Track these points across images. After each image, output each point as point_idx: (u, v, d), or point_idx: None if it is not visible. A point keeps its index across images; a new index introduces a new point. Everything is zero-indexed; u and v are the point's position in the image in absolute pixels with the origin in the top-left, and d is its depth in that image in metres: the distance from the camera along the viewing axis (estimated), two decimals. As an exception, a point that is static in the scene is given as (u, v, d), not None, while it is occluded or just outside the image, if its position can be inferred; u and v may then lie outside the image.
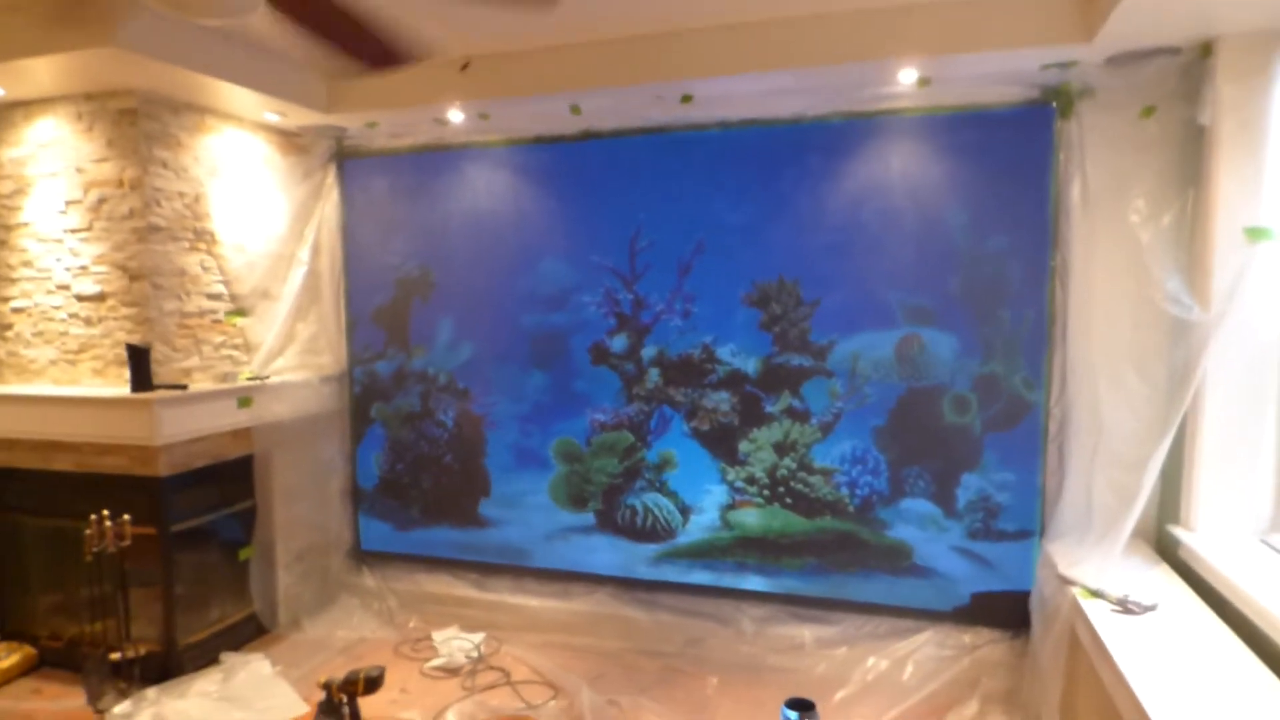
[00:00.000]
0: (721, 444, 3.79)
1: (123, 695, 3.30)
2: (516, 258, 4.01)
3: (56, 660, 3.64)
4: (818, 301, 3.58)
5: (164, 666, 3.47)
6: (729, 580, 3.82)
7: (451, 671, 3.63)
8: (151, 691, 3.34)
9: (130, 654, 3.43)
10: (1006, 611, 3.35)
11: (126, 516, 3.36)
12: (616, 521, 3.98)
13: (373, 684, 3.23)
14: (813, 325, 3.59)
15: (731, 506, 3.79)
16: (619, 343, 3.89)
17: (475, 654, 3.74)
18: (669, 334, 3.81)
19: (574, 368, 3.97)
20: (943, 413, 3.44)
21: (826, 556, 3.66)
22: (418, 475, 4.33)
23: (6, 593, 3.76)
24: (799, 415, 3.65)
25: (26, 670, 3.62)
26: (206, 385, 3.67)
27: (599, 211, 3.85)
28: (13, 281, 3.63)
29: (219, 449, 3.70)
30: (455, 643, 3.80)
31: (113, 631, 3.44)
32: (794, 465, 3.68)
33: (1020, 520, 3.38)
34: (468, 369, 4.17)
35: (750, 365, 3.71)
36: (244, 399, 3.73)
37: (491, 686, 3.50)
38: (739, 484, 3.77)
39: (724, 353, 3.74)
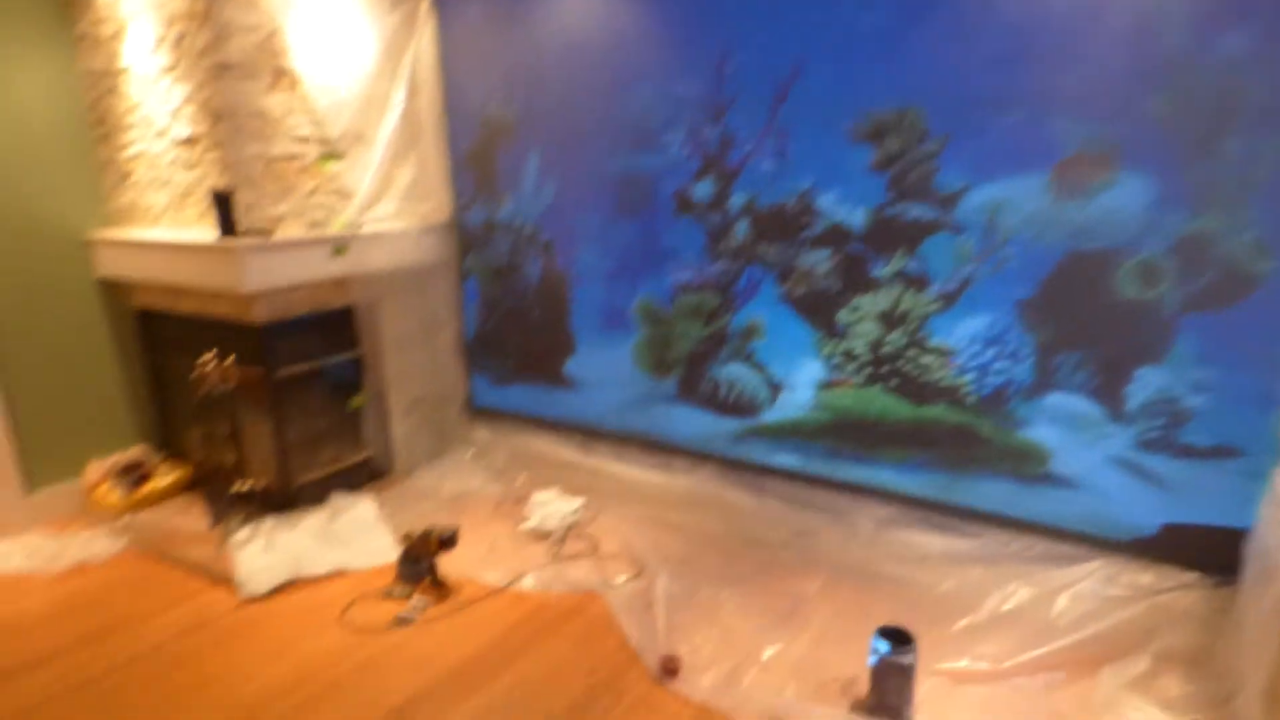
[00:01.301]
0: (819, 312, 3.16)
1: (244, 522, 3.54)
2: (607, 90, 3.46)
3: (207, 483, 3.95)
4: (948, 136, 2.73)
5: (281, 500, 3.67)
6: (817, 466, 3.31)
7: (543, 535, 3.52)
8: (268, 521, 3.55)
9: (249, 487, 3.67)
10: (1208, 551, 2.51)
11: (230, 359, 3.49)
12: (699, 392, 3.55)
13: (446, 543, 3.24)
14: (940, 165, 2.75)
15: (828, 385, 3.21)
16: (703, 189, 3.29)
17: (570, 520, 3.59)
18: (760, 179, 3.15)
19: (662, 218, 3.45)
20: (1118, 285, 2.55)
21: (933, 451, 3.02)
22: (508, 331, 4.12)
23: (169, 419, 4.14)
24: (914, 281, 2.91)
25: (185, 488, 4.00)
26: (296, 233, 3.60)
27: (692, 26, 3.17)
28: (127, 128, 3.70)
29: (320, 298, 3.69)
30: (552, 506, 3.68)
31: (240, 465, 3.68)
32: (903, 341, 2.98)
33: (1221, 433, 2.49)
34: (553, 219, 3.79)
35: (857, 217, 2.97)
36: (338, 247, 3.64)
37: (576, 556, 3.34)
38: (835, 359, 3.16)
39: (825, 202, 3.02)
